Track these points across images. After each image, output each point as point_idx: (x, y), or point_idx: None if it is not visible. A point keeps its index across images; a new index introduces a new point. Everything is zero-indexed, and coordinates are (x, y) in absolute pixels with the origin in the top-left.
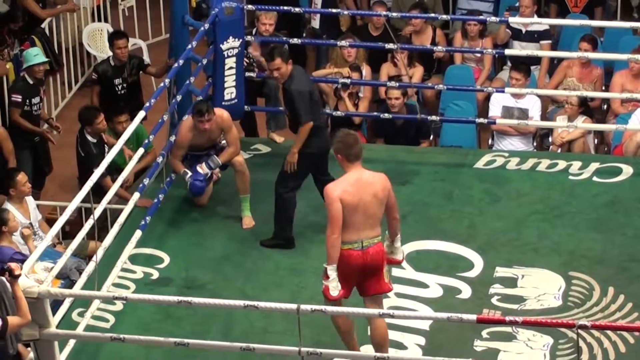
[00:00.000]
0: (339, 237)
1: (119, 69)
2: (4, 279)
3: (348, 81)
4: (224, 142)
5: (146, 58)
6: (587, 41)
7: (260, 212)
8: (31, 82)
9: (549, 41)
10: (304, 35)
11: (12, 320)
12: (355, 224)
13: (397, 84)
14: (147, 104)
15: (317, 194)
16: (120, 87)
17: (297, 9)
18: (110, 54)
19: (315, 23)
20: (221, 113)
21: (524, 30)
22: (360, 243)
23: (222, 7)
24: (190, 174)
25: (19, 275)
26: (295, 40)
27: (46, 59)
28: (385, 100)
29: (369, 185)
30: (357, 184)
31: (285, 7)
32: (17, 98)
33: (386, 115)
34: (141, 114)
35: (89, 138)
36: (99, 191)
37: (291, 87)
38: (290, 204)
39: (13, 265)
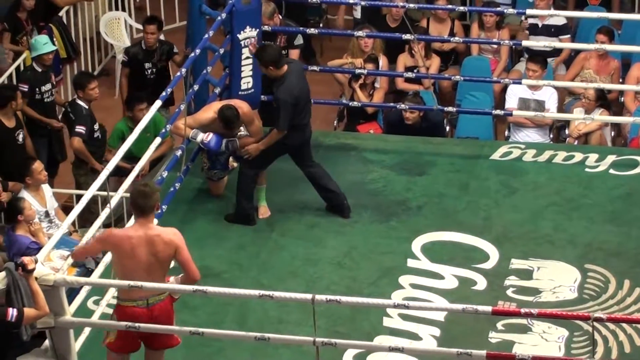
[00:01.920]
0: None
1: (149, 54)
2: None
3: (364, 71)
4: (242, 132)
5: None
6: (603, 33)
7: (275, 202)
8: (40, 70)
9: (568, 35)
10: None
11: (29, 312)
12: (137, 280)
13: (414, 75)
14: (164, 94)
15: None
16: (149, 71)
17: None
18: (127, 42)
19: (357, 13)
20: (241, 105)
21: (540, 25)
22: (146, 301)
23: None
24: (202, 134)
25: (33, 270)
26: (312, 31)
27: (55, 47)
28: (400, 92)
29: (149, 243)
30: (137, 241)
31: None
32: (24, 87)
33: (402, 106)
34: (157, 103)
35: (80, 103)
36: None
37: (277, 93)
38: (251, 180)
39: (26, 259)
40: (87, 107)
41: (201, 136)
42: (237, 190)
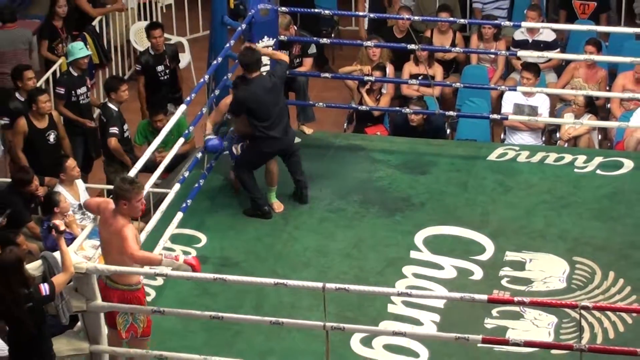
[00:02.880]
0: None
1: (159, 57)
2: (55, 255)
3: (372, 78)
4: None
5: (187, 54)
6: (592, 44)
7: (290, 198)
8: (76, 74)
9: (557, 49)
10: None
11: (57, 279)
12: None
13: (418, 82)
14: (188, 98)
15: (343, 181)
16: (162, 73)
17: (327, 11)
18: None
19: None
20: None
21: (530, 40)
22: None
23: (258, 8)
24: (213, 138)
25: (64, 231)
26: (325, 40)
27: (89, 52)
28: (405, 97)
29: (107, 225)
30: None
31: (317, 10)
32: (60, 90)
33: (407, 110)
34: (182, 108)
35: (111, 105)
36: None
37: (235, 90)
38: (249, 178)
39: (57, 222)
40: (117, 109)
41: (205, 138)
42: (246, 192)
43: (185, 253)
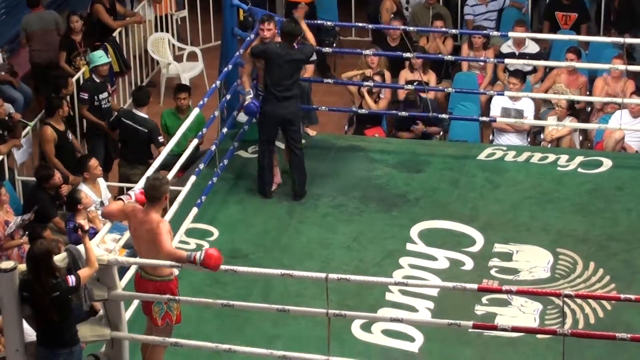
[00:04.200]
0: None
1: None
2: (79, 247)
3: (371, 84)
4: None
5: (200, 62)
6: (572, 52)
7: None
8: (98, 80)
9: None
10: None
11: (83, 272)
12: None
13: (413, 87)
14: (201, 102)
15: (344, 179)
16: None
17: (329, 22)
18: (171, 59)
19: None
20: None
21: (517, 52)
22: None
23: None
24: (252, 94)
25: (88, 230)
26: (327, 49)
27: (108, 60)
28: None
29: (142, 224)
30: (139, 221)
31: (320, 21)
32: (84, 95)
33: (403, 113)
34: (196, 111)
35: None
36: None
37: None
38: (266, 157)
39: (82, 221)
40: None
41: (248, 96)
42: (258, 168)
43: (199, 247)
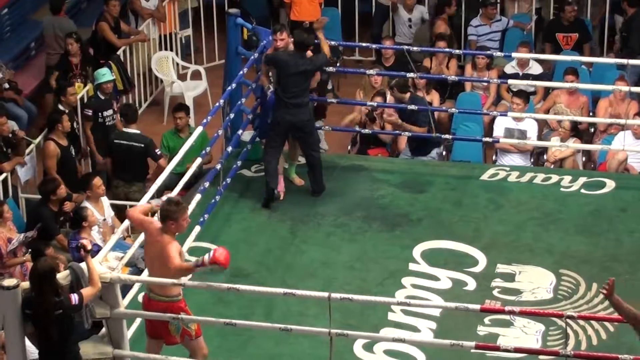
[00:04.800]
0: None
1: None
2: (82, 265)
3: (375, 104)
4: None
5: (204, 81)
6: (570, 73)
7: (298, 213)
8: (102, 97)
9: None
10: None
11: (86, 291)
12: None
13: (417, 107)
14: (205, 120)
15: (347, 199)
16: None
17: (333, 42)
18: (175, 78)
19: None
20: None
21: (520, 73)
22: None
23: (269, 39)
24: (272, 90)
25: (91, 250)
26: (331, 69)
27: (112, 77)
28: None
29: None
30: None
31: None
32: (88, 112)
33: (406, 133)
34: (199, 129)
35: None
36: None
37: None
38: (272, 160)
39: (85, 242)
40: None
41: (269, 93)
42: (265, 174)
43: None
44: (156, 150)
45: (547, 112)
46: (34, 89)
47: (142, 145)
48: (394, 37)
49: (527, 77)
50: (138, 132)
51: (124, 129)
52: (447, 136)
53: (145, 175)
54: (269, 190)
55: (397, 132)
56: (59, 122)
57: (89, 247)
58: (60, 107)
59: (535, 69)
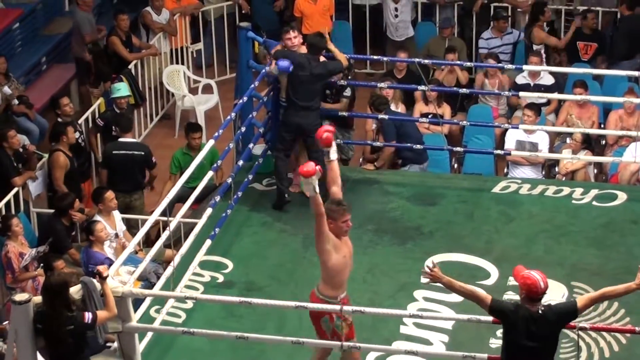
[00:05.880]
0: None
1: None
2: (93, 281)
3: (386, 117)
4: None
5: (215, 95)
6: (579, 86)
7: (308, 226)
8: (117, 111)
9: (556, 93)
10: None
11: (101, 314)
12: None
13: (428, 120)
14: (216, 134)
15: (359, 212)
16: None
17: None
18: (186, 91)
19: None
20: None
21: (532, 84)
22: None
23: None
24: (284, 60)
25: (107, 277)
26: (342, 82)
27: (126, 94)
28: None
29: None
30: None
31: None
32: (100, 122)
33: (418, 146)
34: (210, 142)
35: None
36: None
37: None
38: (282, 164)
39: (101, 268)
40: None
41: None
42: (275, 176)
43: (213, 278)
44: (153, 159)
45: (562, 124)
46: (45, 104)
47: (143, 153)
48: (386, 31)
49: (538, 87)
50: (135, 140)
51: (120, 139)
52: (458, 149)
53: (142, 184)
54: (280, 192)
55: (406, 145)
56: (64, 133)
57: (105, 273)
58: (60, 119)
59: (547, 79)
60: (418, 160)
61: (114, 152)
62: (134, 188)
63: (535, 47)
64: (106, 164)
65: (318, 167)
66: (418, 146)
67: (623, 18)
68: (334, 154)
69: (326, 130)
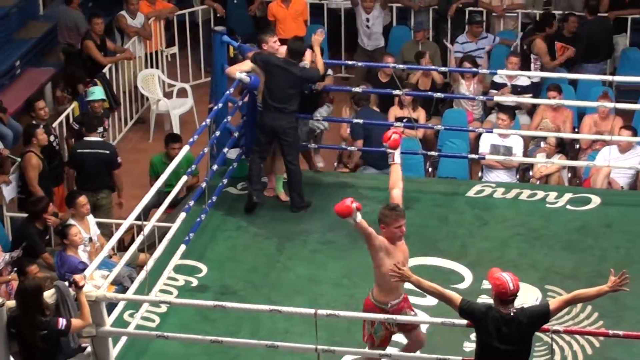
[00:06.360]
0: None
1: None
2: (66, 284)
3: (360, 121)
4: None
5: (190, 99)
6: (553, 90)
7: (284, 230)
8: (93, 115)
9: (530, 94)
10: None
11: (75, 322)
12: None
13: (403, 124)
14: (191, 139)
15: (333, 215)
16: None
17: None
18: (160, 95)
19: None
20: None
21: (509, 84)
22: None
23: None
24: (244, 74)
25: (83, 286)
26: (317, 86)
27: (100, 97)
28: None
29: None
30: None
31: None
32: (74, 126)
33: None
34: (186, 148)
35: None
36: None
37: None
38: (255, 167)
39: (77, 277)
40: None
41: (245, 75)
42: (247, 178)
43: (187, 282)
44: (118, 159)
45: (537, 127)
46: (20, 107)
47: (108, 152)
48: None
49: (515, 88)
50: (100, 139)
51: (86, 138)
52: (433, 153)
53: (109, 183)
54: (249, 195)
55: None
56: (34, 135)
57: (81, 283)
58: (34, 122)
59: (524, 80)
60: (379, 166)
61: (78, 150)
62: (99, 187)
63: (533, 56)
64: (72, 162)
65: (355, 205)
66: (389, 150)
67: (585, 22)
68: (397, 157)
69: (394, 131)
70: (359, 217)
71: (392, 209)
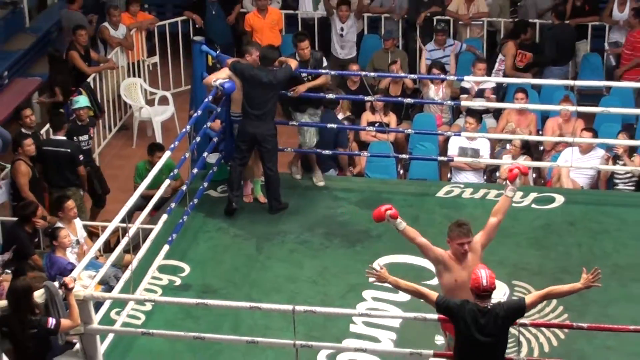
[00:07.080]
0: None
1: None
2: (55, 283)
3: (334, 126)
4: None
5: (171, 106)
6: (521, 92)
7: (262, 231)
8: (79, 123)
9: (494, 96)
10: None
11: (64, 322)
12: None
13: (375, 128)
14: (172, 145)
15: (309, 216)
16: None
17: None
18: (143, 103)
19: None
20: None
21: (476, 88)
22: None
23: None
24: (220, 80)
25: (73, 288)
26: (291, 93)
27: (85, 105)
28: (363, 142)
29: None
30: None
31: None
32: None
33: (365, 154)
34: (167, 154)
35: None
36: None
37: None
38: (235, 173)
39: (67, 279)
40: None
41: (221, 81)
42: (227, 183)
43: (171, 282)
44: (80, 157)
45: (502, 130)
46: (7, 116)
47: (69, 151)
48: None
49: (481, 92)
50: (64, 138)
51: (52, 137)
52: (404, 156)
53: (76, 181)
54: (229, 200)
55: (356, 152)
56: (20, 145)
57: (71, 285)
58: (23, 130)
59: (490, 84)
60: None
61: (43, 147)
62: (66, 184)
63: (500, 57)
64: (38, 158)
65: (389, 212)
66: (365, 153)
67: (552, 26)
68: (510, 192)
69: (517, 167)
70: (401, 225)
71: (458, 225)
